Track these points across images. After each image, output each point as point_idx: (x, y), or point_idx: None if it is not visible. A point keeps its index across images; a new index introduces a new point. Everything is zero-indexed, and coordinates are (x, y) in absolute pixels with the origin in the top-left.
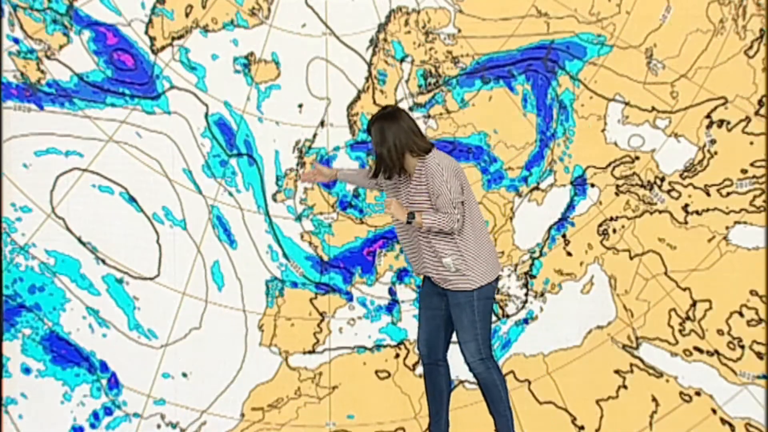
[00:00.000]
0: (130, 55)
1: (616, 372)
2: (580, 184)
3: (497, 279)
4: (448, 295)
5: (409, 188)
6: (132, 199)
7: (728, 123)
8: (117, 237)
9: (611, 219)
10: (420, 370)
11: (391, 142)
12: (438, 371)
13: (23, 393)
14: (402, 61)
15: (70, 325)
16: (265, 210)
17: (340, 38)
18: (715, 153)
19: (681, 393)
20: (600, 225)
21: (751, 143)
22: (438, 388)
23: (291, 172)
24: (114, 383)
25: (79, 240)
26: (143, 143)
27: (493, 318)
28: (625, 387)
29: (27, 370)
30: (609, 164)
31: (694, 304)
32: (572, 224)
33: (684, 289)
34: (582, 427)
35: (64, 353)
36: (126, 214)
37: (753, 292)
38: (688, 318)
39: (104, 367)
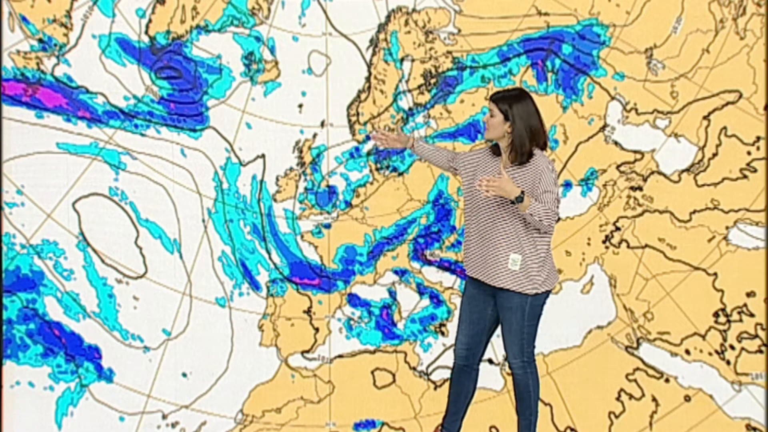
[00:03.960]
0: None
1: (616, 372)
2: (580, 184)
3: (550, 290)
4: (501, 297)
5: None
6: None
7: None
8: (116, 237)
9: (616, 228)
10: (420, 368)
11: (534, 121)
12: (469, 375)
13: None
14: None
15: (68, 322)
16: (266, 210)
17: (342, 33)
18: (715, 154)
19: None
20: (601, 227)
21: (754, 143)
22: (464, 391)
23: (291, 172)
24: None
25: (81, 240)
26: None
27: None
28: (624, 387)
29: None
30: (609, 164)
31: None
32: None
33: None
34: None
35: (60, 345)
36: (125, 215)
37: (751, 293)
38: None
39: (96, 362)
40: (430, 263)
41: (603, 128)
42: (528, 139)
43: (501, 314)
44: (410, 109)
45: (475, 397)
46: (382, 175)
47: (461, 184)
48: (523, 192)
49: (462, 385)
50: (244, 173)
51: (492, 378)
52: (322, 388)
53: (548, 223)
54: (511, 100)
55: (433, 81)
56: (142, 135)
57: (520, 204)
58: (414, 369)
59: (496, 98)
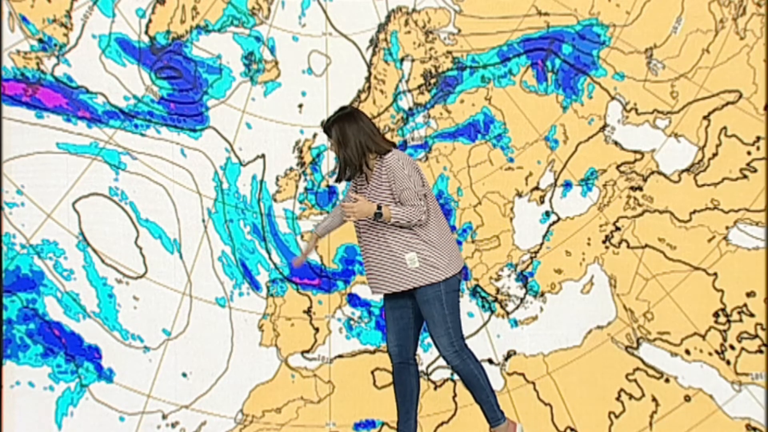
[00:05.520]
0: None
1: (616, 372)
2: (580, 184)
3: (461, 272)
4: (416, 294)
5: (370, 188)
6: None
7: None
8: (116, 237)
9: (616, 228)
10: (420, 368)
11: (353, 143)
12: (408, 371)
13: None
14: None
15: (69, 323)
16: (266, 210)
17: (342, 33)
18: (715, 154)
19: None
20: (601, 227)
21: (753, 143)
22: (408, 388)
23: (291, 172)
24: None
25: (81, 240)
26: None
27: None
28: (624, 387)
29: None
30: (609, 164)
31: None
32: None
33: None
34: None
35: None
36: (124, 214)
37: (751, 293)
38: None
39: (96, 362)
40: None
41: (603, 128)
42: (357, 158)
43: (422, 312)
44: (410, 109)
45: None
46: None
47: None
48: (379, 206)
49: (404, 383)
50: (244, 173)
51: (492, 378)
52: (322, 388)
53: (417, 219)
54: (334, 125)
55: (433, 81)
56: (142, 135)
57: (381, 218)
58: None
59: (324, 127)
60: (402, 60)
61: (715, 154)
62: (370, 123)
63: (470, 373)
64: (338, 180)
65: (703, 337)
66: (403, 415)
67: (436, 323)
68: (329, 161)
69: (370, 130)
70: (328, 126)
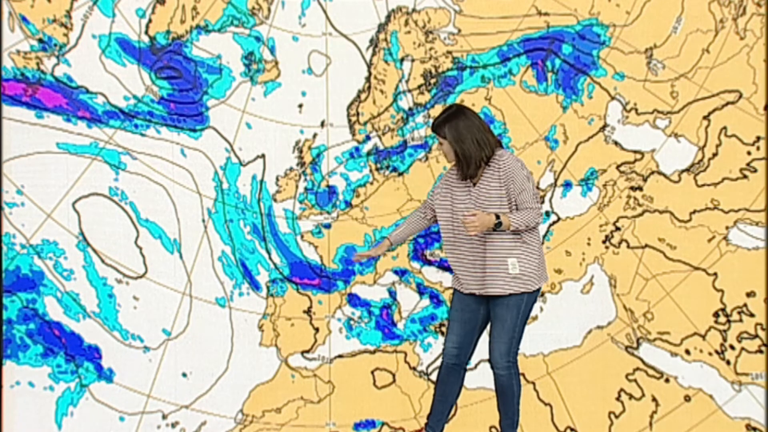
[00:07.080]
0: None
1: (616, 372)
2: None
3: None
4: (499, 297)
5: (479, 189)
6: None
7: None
8: (116, 237)
9: (616, 228)
10: (420, 368)
11: (469, 139)
12: (458, 375)
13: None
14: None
15: (68, 323)
16: (266, 210)
17: (342, 33)
18: (715, 154)
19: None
20: (601, 227)
21: (753, 143)
22: (452, 391)
23: (291, 172)
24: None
25: (81, 240)
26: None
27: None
28: (624, 387)
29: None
30: (609, 164)
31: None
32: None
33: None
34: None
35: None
36: (124, 213)
37: (751, 293)
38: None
39: (95, 361)
40: (430, 263)
41: (603, 128)
42: (477, 152)
43: (495, 312)
44: (410, 109)
45: (475, 397)
46: (382, 175)
47: (438, 217)
48: (498, 216)
49: (450, 384)
50: (244, 173)
51: (492, 377)
52: (322, 388)
53: (534, 222)
54: (445, 124)
55: (433, 81)
56: (142, 135)
57: (501, 227)
58: (414, 369)
59: (434, 127)
60: (402, 60)
61: (715, 154)
62: (478, 118)
63: (509, 387)
64: (468, 177)
65: (703, 337)
66: (437, 414)
67: (505, 329)
68: (329, 161)
69: (481, 125)
70: (437, 125)
